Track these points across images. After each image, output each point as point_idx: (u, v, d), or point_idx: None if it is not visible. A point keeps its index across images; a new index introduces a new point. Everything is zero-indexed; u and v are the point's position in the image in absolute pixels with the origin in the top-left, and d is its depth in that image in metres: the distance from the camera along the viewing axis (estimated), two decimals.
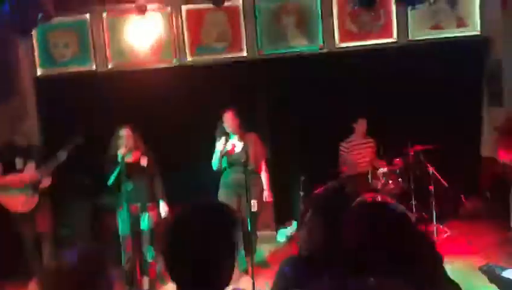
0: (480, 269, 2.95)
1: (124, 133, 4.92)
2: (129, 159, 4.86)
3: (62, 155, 5.07)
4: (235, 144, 5.22)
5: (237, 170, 5.16)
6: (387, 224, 1.59)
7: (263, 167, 5.43)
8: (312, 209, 2.16)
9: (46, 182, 5.11)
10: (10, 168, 5.00)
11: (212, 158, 5.30)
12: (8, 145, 5.12)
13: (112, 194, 5.01)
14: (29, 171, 5.05)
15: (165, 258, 1.54)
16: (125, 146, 4.85)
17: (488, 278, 2.84)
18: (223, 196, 5.26)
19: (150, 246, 4.96)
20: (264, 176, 5.41)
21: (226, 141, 5.12)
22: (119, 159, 4.72)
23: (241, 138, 5.22)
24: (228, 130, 5.17)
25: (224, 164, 5.26)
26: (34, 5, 3.87)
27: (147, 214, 4.93)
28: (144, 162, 4.98)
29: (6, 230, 5.10)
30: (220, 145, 5.12)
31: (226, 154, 5.19)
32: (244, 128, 5.30)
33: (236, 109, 5.25)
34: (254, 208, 5.00)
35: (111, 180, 4.83)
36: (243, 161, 4.98)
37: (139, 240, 4.92)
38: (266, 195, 5.38)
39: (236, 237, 1.57)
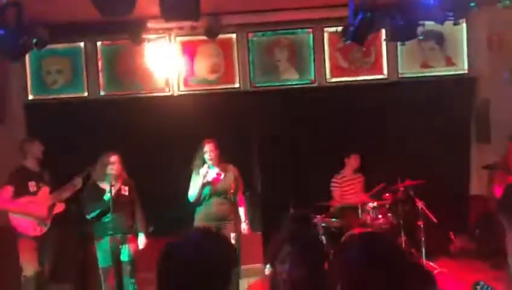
0: (473, 287, 2.90)
1: (112, 160, 4.85)
2: (113, 188, 4.76)
3: (78, 182, 5.03)
4: (220, 173, 5.09)
5: (218, 202, 5.05)
6: (380, 254, 1.56)
7: (242, 200, 5.32)
8: (289, 244, 2.12)
9: (60, 207, 5.05)
10: (23, 191, 4.91)
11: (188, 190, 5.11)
12: (18, 170, 5.03)
13: (91, 224, 4.91)
14: (43, 196, 4.97)
15: (158, 287, 1.50)
16: (115, 175, 4.79)
17: None
18: None
19: (131, 279, 4.83)
20: (242, 209, 5.27)
21: (208, 168, 4.99)
22: (108, 192, 4.64)
23: (223, 169, 5.11)
24: (208, 161, 5.01)
25: (205, 194, 5.08)
26: (29, 30, 3.89)
27: (127, 246, 4.82)
28: (125, 191, 4.89)
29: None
30: (204, 169, 4.96)
31: (208, 183, 5.04)
32: (225, 159, 5.17)
33: (215, 139, 5.12)
34: (233, 241, 4.87)
35: (95, 213, 4.73)
36: (231, 191, 4.92)
37: (120, 271, 4.79)
38: (245, 228, 5.25)
39: (231, 267, 1.54)
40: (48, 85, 6.69)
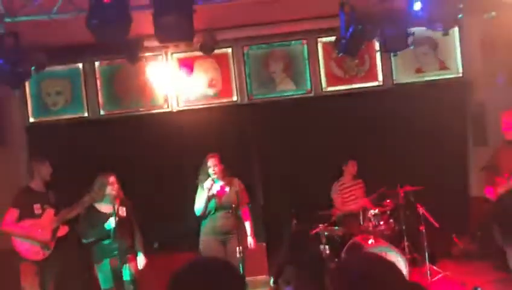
0: None
1: (111, 181, 4.88)
2: (111, 208, 4.75)
3: (82, 205, 4.95)
4: (224, 187, 5.09)
5: (223, 216, 5.07)
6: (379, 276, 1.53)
7: (247, 213, 5.28)
8: (291, 265, 2.13)
9: (63, 230, 5.00)
10: (28, 213, 4.89)
11: (194, 204, 5.13)
12: (24, 191, 5.02)
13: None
14: (47, 218, 4.93)
15: None
16: (114, 195, 4.82)
17: None
18: (206, 243, 5.10)
19: None
20: (247, 223, 5.25)
21: (213, 182, 5.03)
22: (112, 217, 4.63)
23: (227, 183, 5.12)
24: (213, 175, 5.04)
25: (211, 207, 5.10)
26: (28, 57, 3.97)
27: (128, 266, 4.82)
28: (123, 212, 4.87)
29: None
30: (208, 183, 4.99)
31: (214, 197, 5.06)
32: (228, 173, 5.20)
33: (219, 154, 5.16)
34: (240, 255, 4.88)
35: (92, 239, 4.75)
36: (233, 205, 4.97)
37: None
38: (251, 242, 5.21)
39: None
40: (48, 107, 6.77)
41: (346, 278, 1.50)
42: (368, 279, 1.47)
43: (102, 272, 4.79)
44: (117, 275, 4.73)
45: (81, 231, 4.85)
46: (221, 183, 5.08)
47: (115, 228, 4.61)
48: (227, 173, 5.18)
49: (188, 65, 6.75)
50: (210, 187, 5.00)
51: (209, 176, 5.06)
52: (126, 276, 4.80)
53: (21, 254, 4.88)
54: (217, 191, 5.06)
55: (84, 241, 4.82)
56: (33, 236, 4.85)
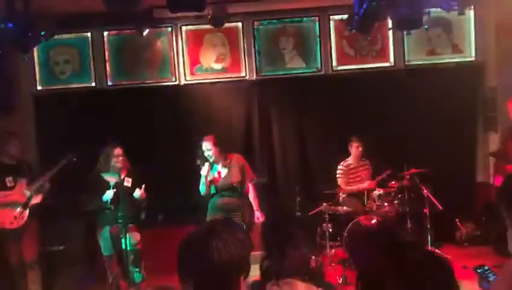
0: (475, 269, 2.94)
1: (116, 153, 4.91)
2: (116, 179, 4.83)
3: (52, 171, 5.01)
4: (220, 171, 5.09)
5: (226, 195, 5.07)
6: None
7: (251, 188, 5.22)
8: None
9: (36, 199, 5.03)
10: (0, 187, 4.94)
11: (199, 183, 5.10)
12: None
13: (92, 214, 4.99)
14: (20, 189, 4.99)
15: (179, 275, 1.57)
16: (119, 167, 4.85)
17: (478, 281, 2.83)
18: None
19: (135, 268, 4.90)
20: (252, 197, 5.21)
21: (211, 166, 4.99)
22: (118, 181, 4.71)
23: (226, 164, 5.09)
24: (209, 158, 4.99)
25: (213, 190, 5.12)
26: (37, 22, 3.93)
27: (129, 235, 4.84)
28: (128, 182, 4.93)
29: None
30: (204, 170, 4.98)
31: (212, 182, 5.06)
32: (225, 151, 5.12)
33: (215, 135, 5.09)
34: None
35: (93, 205, 4.82)
36: (234, 184, 4.95)
37: (122, 260, 4.85)
38: (258, 215, 5.21)
39: (249, 251, 1.61)
40: (56, 75, 6.75)
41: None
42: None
43: (103, 238, 4.89)
44: (117, 243, 4.78)
45: (82, 199, 4.91)
46: (218, 168, 5.06)
47: (113, 199, 4.68)
48: (225, 152, 5.10)
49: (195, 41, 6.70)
50: (206, 174, 4.97)
51: (206, 159, 5.02)
52: (127, 245, 4.85)
53: None
54: (214, 177, 5.06)
55: (83, 208, 4.88)
56: (8, 200, 4.89)
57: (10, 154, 5.07)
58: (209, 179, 5.01)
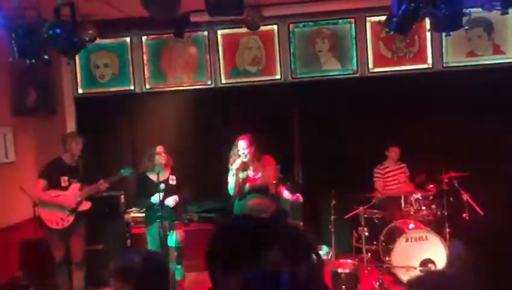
0: None
1: (158, 150, 5.06)
2: (161, 177, 4.98)
3: (104, 186, 5.19)
4: (255, 171, 5.06)
5: (257, 195, 5.05)
6: None
7: (282, 189, 5.12)
8: None
9: (85, 206, 5.18)
10: (55, 185, 5.10)
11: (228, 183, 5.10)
12: (55, 162, 5.21)
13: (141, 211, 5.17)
14: (72, 192, 5.12)
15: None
16: (163, 164, 5.01)
17: None
18: None
19: (178, 265, 5.00)
20: (286, 192, 5.11)
21: (244, 165, 4.95)
22: (160, 179, 4.92)
23: (260, 166, 5.05)
24: (244, 158, 4.95)
25: (245, 190, 5.07)
26: (83, 29, 4.08)
27: (175, 232, 5.01)
28: (173, 180, 5.10)
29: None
30: (236, 164, 4.95)
31: (244, 181, 5.03)
32: (260, 151, 5.06)
33: (251, 135, 5.06)
34: None
35: (144, 204, 5.03)
36: (267, 187, 4.95)
37: (167, 257, 4.98)
38: (298, 195, 5.14)
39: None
40: (96, 78, 6.95)
41: None
42: None
43: (151, 235, 5.08)
44: (164, 239, 4.94)
45: (133, 199, 5.11)
46: (252, 169, 5.01)
47: (161, 201, 4.88)
48: (260, 154, 5.06)
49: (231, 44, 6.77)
50: (238, 168, 4.93)
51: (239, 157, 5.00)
52: (171, 242, 4.99)
53: (46, 222, 5.12)
54: (248, 178, 5.04)
55: (138, 208, 5.07)
56: (59, 202, 5.05)
57: (72, 154, 5.21)
58: (241, 177, 4.99)
